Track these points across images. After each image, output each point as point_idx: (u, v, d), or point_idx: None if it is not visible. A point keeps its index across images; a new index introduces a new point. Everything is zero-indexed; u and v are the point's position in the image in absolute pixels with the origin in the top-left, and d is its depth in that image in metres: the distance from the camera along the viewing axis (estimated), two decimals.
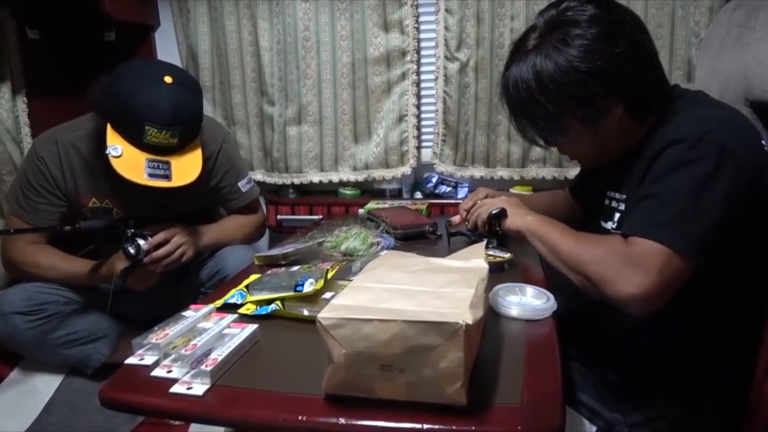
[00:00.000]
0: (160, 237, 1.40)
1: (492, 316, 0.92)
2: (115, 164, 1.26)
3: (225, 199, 1.67)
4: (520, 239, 1.15)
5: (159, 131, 1.27)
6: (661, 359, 1.05)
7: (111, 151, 1.26)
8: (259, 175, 2.28)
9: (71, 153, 1.46)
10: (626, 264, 0.89)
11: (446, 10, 1.96)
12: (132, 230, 1.36)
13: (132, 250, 1.35)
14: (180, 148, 1.34)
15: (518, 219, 1.15)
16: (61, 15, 1.36)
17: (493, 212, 1.20)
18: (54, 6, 1.51)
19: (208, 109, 2.21)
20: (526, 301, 0.97)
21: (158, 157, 1.30)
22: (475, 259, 0.86)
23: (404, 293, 0.72)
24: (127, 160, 1.27)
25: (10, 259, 1.50)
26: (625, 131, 1.00)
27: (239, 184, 1.66)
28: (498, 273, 1.14)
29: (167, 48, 2.26)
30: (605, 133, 1.00)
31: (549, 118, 0.99)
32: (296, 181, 2.25)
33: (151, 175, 1.28)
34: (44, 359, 1.58)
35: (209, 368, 0.75)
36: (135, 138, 1.28)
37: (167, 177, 1.30)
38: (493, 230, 1.22)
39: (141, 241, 1.36)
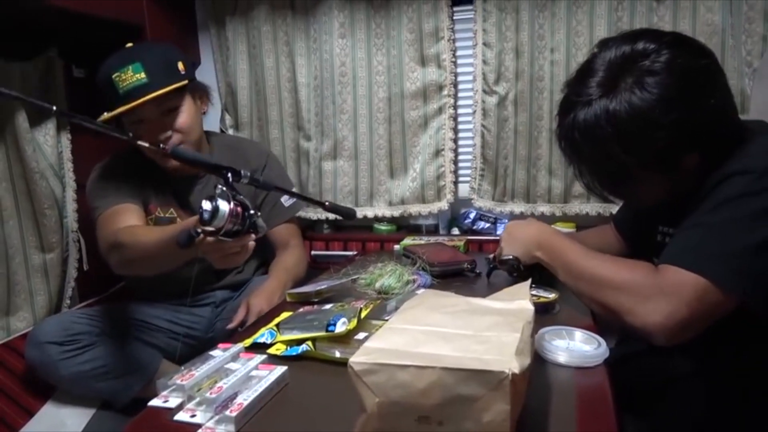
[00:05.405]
0: (240, 316, 1.37)
1: (537, 362, 0.85)
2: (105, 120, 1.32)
3: (268, 215, 1.65)
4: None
5: (122, 72, 1.33)
6: (722, 410, 0.95)
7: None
8: None
9: (131, 163, 1.52)
10: (655, 292, 0.83)
11: (484, 44, 1.93)
12: (222, 188, 0.97)
13: (206, 213, 0.93)
14: (156, 85, 1.34)
15: (531, 246, 1.13)
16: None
17: (505, 259, 1.19)
18: (99, 46, 1.56)
19: None
20: (574, 347, 0.90)
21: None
22: (520, 300, 0.79)
23: (443, 336, 0.67)
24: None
25: (104, 243, 1.42)
26: (694, 173, 0.93)
27: (282, 199, 1.68)
28: (541, 314, 1.07)
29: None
30: (676, 180, 0.94)
31: (621, 168, 0.92)
32: (331, 216, 2.22)
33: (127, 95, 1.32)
34: (76, 391, 1.57)
35: (234, 414, 0.71)
36: (115, 96, 1.33)
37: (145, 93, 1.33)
38: (516, 273, 1.20)
39: (222, 204, 0.94)
